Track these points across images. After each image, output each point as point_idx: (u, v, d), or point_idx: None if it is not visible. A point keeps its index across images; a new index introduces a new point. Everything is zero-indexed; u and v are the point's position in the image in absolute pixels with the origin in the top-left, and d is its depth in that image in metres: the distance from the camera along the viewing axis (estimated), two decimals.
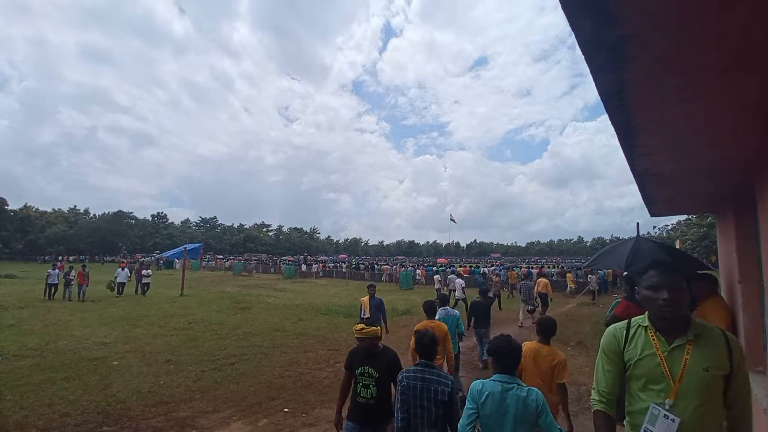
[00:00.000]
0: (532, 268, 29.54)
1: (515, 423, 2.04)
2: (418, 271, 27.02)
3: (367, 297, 6.63)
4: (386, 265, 36.19)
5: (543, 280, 12.75)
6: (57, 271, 14.72)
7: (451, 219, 71.34)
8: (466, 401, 2.19)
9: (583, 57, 1.11)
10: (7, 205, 61.78)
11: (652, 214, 4.44)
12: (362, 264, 38.61)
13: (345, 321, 10.94)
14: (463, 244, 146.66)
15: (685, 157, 2.17)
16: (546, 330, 3.18)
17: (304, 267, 34.73)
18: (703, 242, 27.81)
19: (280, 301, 15.57)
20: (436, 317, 4.92)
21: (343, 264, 39.09)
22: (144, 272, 16.65)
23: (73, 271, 14.99)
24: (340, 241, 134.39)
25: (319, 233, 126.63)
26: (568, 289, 18.84)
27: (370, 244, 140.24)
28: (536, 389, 2.12)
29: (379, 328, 2.91)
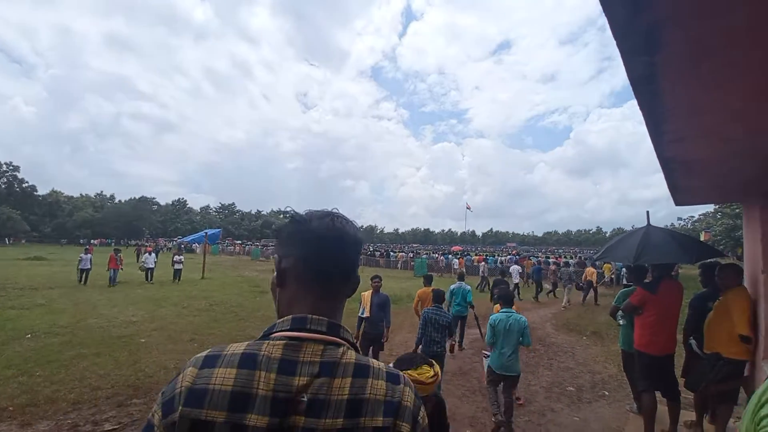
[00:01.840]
0: (549, 257, 29.18)
1: (513, 333, 3.96)
2: (456, 260, 25.86)
3: (370, 292, 5.32)
4: (401, 252, 36.29)
5: (590, 269, 14.08)
6: (89, 255, 14.23)
7: (467, 208, 70.71)
8: (487, 329, 4.15)
9: (613, 40, 1.10)
10: (36, 190, 64.24)
11: (678, 203, 4.32)
12: (378, 251, 38.82)
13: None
14: (478, 232, 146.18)
15: (716, 144, 2.11)
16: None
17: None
18: (731, 234, 26.82)
19: None
20: (451, 288, 6.93)
21: None
22: (176, 258, 16.18)
23: (121, 255, 14.78)
24: None
25: None
26: (606, 278, 18.49)
27: (386, 231, 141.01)
28: (523, 317, 4.09)
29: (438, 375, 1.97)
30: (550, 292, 15.10)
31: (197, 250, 36.82)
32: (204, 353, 0.68)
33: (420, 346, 4.47)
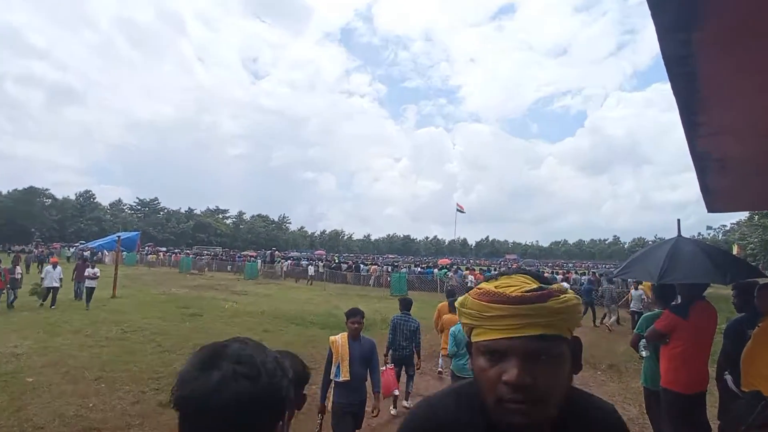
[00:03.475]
0: (557, 273, 29.99)
1: None
2: (471, 277, 25.38)
3: (344, 336, 4.26)
4: (374, 265, 36.30)
5: (641, 287, 14.49)
6: None
7: (458, 209, 71.69)
8: (449, 339, 5.54)
9: (639, 10, 1.15)
10: None
11: (711, 209, 4.56)
12: (345, 263, 38.65)
13: (322, 333, 11.01)
14: (471, 241, 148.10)
15: (758, 139, 2.23)
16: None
17: (312, 270, 32.02)
18: None
19: (240, 306, 15.64)
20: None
21: (319, 262, 39.11)
22: (88, 271, 14.58)
23: (18, 268, 14.13)
24: (317, 234, 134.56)
25: (290, 222, 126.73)
26: (646, 299, 18.86)
27: (355, 238, 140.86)
28: None
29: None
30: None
31: (106, 260, 35.59)
32: None
33: (390, 352, 6.06)
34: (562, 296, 0.88)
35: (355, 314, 4.24)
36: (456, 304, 1.02)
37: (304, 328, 11.88)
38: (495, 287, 0.91)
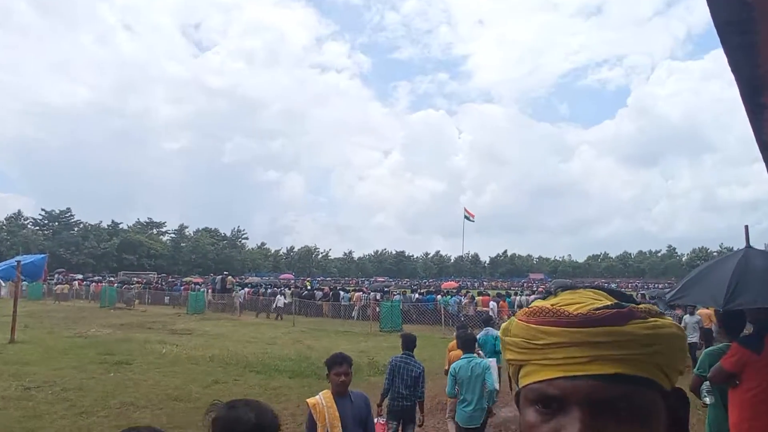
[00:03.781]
0: None
1: (475, 378, 6.12)
2: (493, 304, 25.67)
3: (328, 394, 4.21)
4: (359, 291, 36.15)
5: (704, 311, 14.95)
6: None
7: (467, 216, 72.02)
8: (448, 379, 6.51)
9: None
10: None
11: None
12: (320, 290, 38.49)
13: (291, 383, 10.91)
14: (484, 257, 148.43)
15: None
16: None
17: (281, 301, 30.89)
18: None
19: (183, 350, 15.58)
20: (478, 335, 8.93)
21: (286, 289, 38.88)
22: None
23: None
24: (282, 252, 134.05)
25: (246, 238, 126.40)
26: (714, 329, 18.61)
27: (333, 257, 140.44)
28: (485, 360, 6.86)
29: None
30: None
31: (2, 292, 35.10)
32: None
33: (385, 401, 6.35)
34: (651, 319, 0.71)
35: (340, 362, 4.17)
36: (499, 332, 0.90)
37: (267, 378, 11.74)
38: (552, 305, 0.75)
